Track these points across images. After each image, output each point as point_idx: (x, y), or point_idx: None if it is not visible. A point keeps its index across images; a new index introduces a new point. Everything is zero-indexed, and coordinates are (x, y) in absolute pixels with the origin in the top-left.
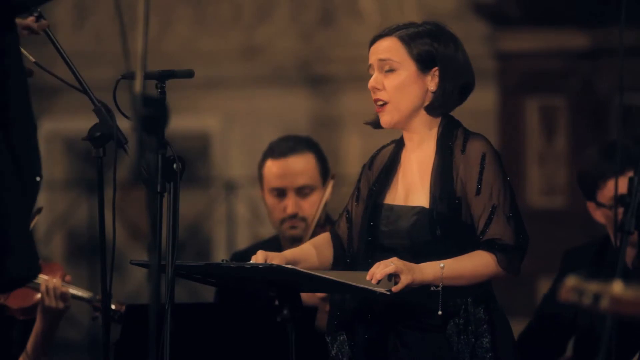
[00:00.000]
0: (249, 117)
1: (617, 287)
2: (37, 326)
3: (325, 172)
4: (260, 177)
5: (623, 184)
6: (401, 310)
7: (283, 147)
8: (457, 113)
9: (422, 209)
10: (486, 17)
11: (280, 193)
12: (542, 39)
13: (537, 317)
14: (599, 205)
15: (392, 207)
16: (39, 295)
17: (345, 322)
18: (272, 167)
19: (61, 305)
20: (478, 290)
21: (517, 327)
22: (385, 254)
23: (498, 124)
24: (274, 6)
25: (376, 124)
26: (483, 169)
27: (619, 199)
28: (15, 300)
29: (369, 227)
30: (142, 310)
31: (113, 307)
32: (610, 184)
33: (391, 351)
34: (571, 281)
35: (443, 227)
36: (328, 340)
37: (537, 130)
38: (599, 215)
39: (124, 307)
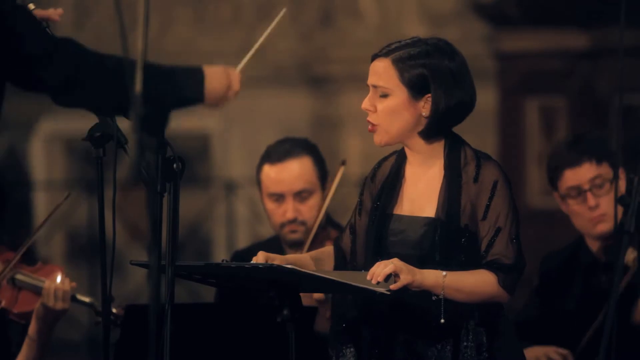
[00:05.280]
0: (249, 117)
1: None
2: (33, 328)
3: (323, 174)
4: (258, 182)
5: (574, 176)
6: (406, 319)
7: (280, 151)
8: None
9: (433, 219)
10: (486, 17)
11: (279, 198)
12: (542, 39)
13: (518, 322)
14: (561, 196)
15: (401, 217)
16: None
17: (350, 334)
18: (269, 172)
19: (60, 305)
20: (482, 314)
21: None
22: None
23: (498, 124)
24: (274, 6)
25: None
26: (493, 196)
27: (618, 200)
28: (18, 304)
29: (377, 237)
30: (142, 310)
31: (114, 310)
32: (567, 174)
33: None
34: None
35: (444, 248)
36: (332, 353)
37: (537, 130)
38: (564, 207)
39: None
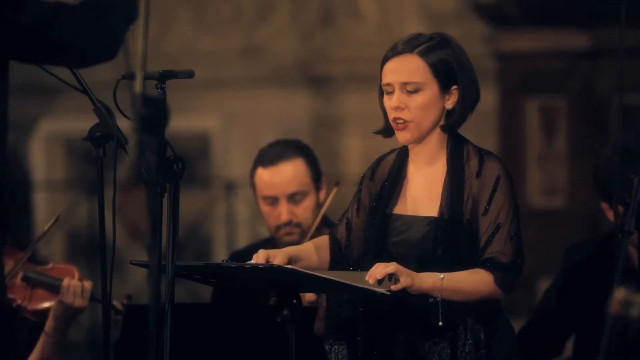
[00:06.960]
0: (249, 117)
1: None
2: (50, 325)
3: (316, 175)
4: (252, 185)
5: None
6: (404, 319)
7: (272, 154)
8: None
9: (435, 219)
10: (486, 17)
11: (273, 201)
12: (542, 39)
13: (537, 312)
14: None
15: (401, 217)
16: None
17: (345, 331)
18: (262, 175)
19: (79, 302)
20: (479, 312)
21: (517, 327)
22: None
23: (498, 124)
24: (274, 6)
25: (386, 133)
26: (495, 191)
27: (619, 200)
28: (32, 302)
29: (377, 237)
30: (142, 310)
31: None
32: None
33: None
34: (620, 294)
35: (446, 245)
36: (326, 349)
37: (537, 130)
38: (612, 215)
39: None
